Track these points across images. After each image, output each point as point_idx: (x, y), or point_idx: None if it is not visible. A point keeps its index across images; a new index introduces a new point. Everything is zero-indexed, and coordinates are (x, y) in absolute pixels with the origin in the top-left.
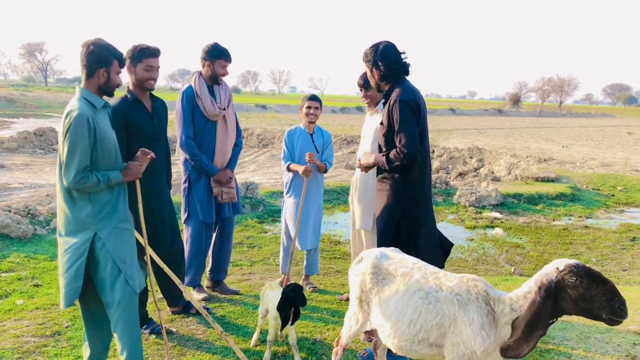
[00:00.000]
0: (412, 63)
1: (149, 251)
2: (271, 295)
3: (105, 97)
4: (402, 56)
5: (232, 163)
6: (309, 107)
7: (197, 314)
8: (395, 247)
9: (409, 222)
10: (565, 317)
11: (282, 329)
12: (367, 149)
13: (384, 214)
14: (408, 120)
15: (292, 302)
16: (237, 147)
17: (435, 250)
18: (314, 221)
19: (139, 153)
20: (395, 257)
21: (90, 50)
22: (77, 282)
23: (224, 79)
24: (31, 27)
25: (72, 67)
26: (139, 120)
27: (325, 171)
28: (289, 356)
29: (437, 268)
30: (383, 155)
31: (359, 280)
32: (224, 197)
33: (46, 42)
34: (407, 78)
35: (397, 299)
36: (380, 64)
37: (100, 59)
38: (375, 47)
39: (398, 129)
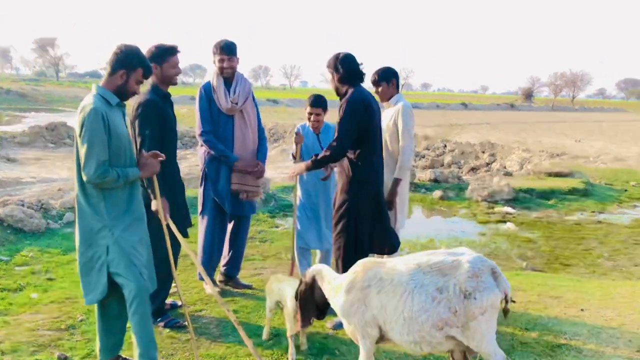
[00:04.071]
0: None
1: (183, 243)
2: (282, 287)
3: None
4: (360, 66)
5: (260, 156)
6: (310, 114)
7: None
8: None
9: (357, 211)
10: (576, 313)
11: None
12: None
13: (339, 201)
14: (349, 118)
15: None
16: (263, 147)
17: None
18: (325, 220)
19: (150, 154)
20: None
21: (119, 51)
22: (103, 278)
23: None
24: (43, 22)
25: (84, 62)
26: (171, 115)
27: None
28: (308, 352)
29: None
30: (311, 160)
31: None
32: (249, 195)
33: (58, 37)
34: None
35: None
36: (339, 68)
37: (125, 61)
38: (337, 55)
39: (338, 122)
